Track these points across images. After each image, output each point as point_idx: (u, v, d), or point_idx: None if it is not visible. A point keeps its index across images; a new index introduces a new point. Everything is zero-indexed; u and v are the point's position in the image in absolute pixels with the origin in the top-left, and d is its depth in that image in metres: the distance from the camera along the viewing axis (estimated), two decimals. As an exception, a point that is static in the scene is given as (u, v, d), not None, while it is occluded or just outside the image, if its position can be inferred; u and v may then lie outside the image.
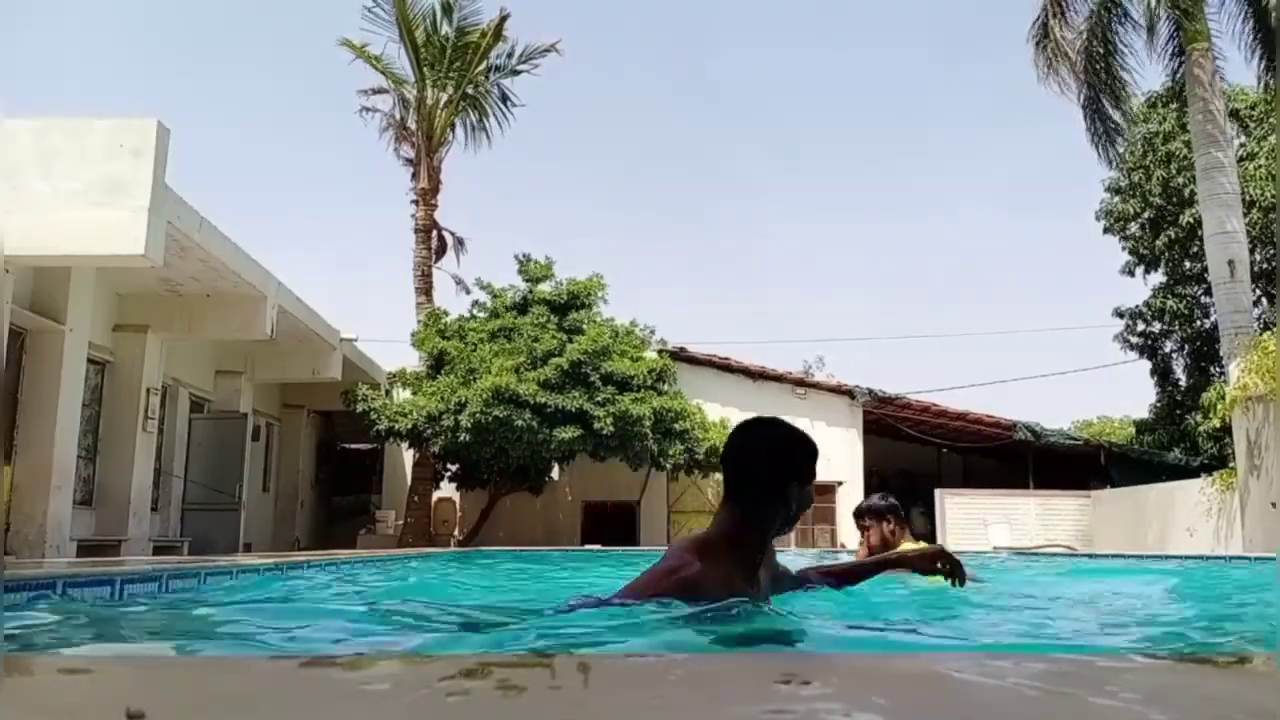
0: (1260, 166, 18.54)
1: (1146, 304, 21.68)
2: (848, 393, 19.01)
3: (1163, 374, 22.04)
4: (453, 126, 18.58)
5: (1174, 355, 21.99)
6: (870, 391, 18.87)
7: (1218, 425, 13.68)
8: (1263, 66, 13.69)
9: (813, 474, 2.51)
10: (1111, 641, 3.03)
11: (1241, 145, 18.51)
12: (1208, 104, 13.10)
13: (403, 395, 16.54)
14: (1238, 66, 14.00)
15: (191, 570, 5.26)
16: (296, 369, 15.58)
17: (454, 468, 17.15)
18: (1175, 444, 20.55)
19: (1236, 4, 13.38)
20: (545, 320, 16.18)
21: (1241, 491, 12.19)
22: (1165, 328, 21.52)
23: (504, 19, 17.81)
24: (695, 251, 47.86)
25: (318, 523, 19.37)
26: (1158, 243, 20.55)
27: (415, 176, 18.16)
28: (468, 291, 18.17)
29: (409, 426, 15.46)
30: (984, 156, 42.44)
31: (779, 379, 19.44)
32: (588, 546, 14.72)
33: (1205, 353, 20.56)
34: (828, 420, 19.03)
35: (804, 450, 2.53)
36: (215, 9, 37.55)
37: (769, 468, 2.45)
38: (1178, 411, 20.96)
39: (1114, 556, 10.83)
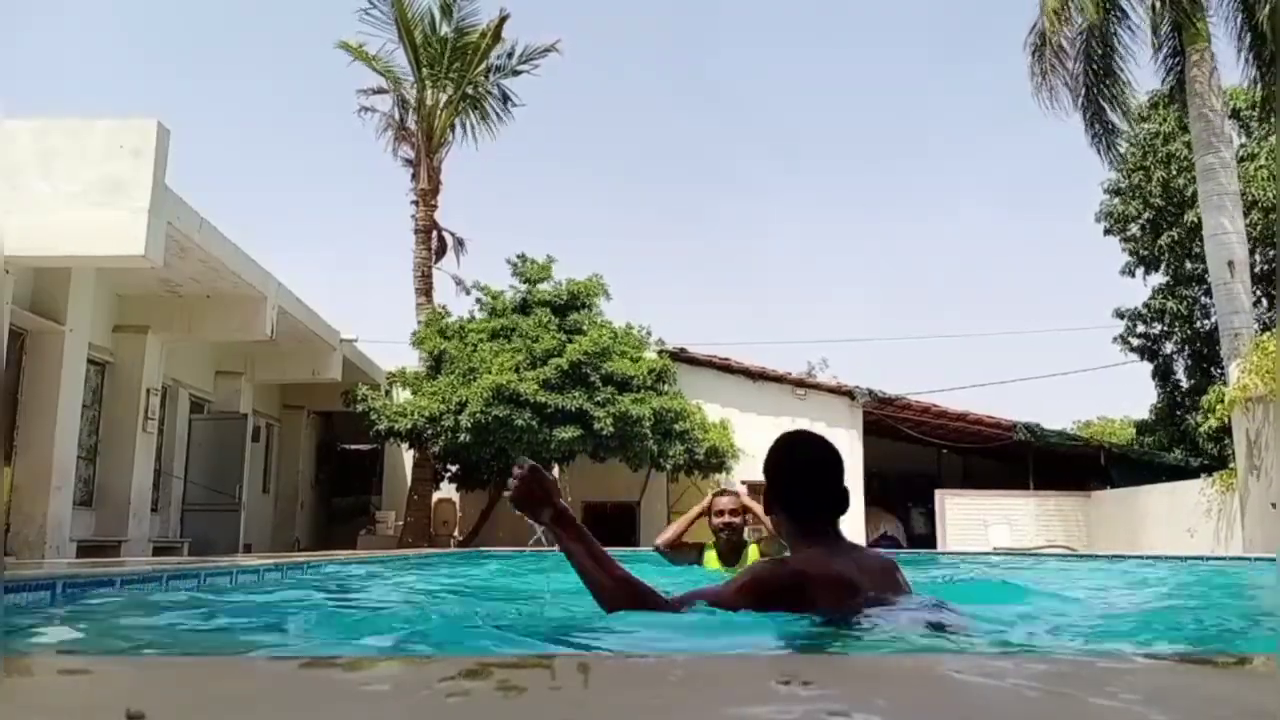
0: (1260, 167, 18.52)
1: (1146, 305, 21.65)
2: (848, 393, 19.00)
3: (1163, 375, 22.01)
4: (452, 127, 18.57)
5: (1174, 356, 21.96)
6: (870, 392, 18.85)
7: (1217, 426, 13.68)
8: (1255, 70, 13.67)
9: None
10: (1111, 642, 3.03)
11: (1242, 146, 18.49)
12: (1207, 105, 13.09)
13: (402, 396, 16.53)
14: (1237, 67, 13.94)
15: (191, 571, 5.26)
16: (296, 369, 15.58)
17: (454, 468, 17.14)
18: (1176, 445, 20.52)
19: (1232, 4, 13.38)
20: (546, 320, 16.18)
21: (1241, 492, 12.18)
22: (1165, 329, 21.49)
23: (503, 19, 17.82)
24: (695, 251, 47.81)
25: (318, 523, 19.37)
26: (1158, 244, 20.53)
27: (415, 177, 18.16)
28: (468, 292, 18.18)
29: (409, 427, 15.46)
30: (984, 156, 42.42)
31: (779, 379, 19.42)
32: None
33: (1206, 354, 20.53)
34: (828, 421, 18.99)
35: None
36: (215, 9, 37.56)
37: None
38: (1178, 412, 20.95)
39: (1114, 557, 10.83)
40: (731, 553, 4.97)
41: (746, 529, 5.20)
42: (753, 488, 18.94)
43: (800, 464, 2.57)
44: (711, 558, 5.06)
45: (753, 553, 4.97)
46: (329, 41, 18.30)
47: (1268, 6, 12.56)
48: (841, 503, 2.51)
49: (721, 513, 4.95)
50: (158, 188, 8.82)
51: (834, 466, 2.54)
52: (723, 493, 5.20)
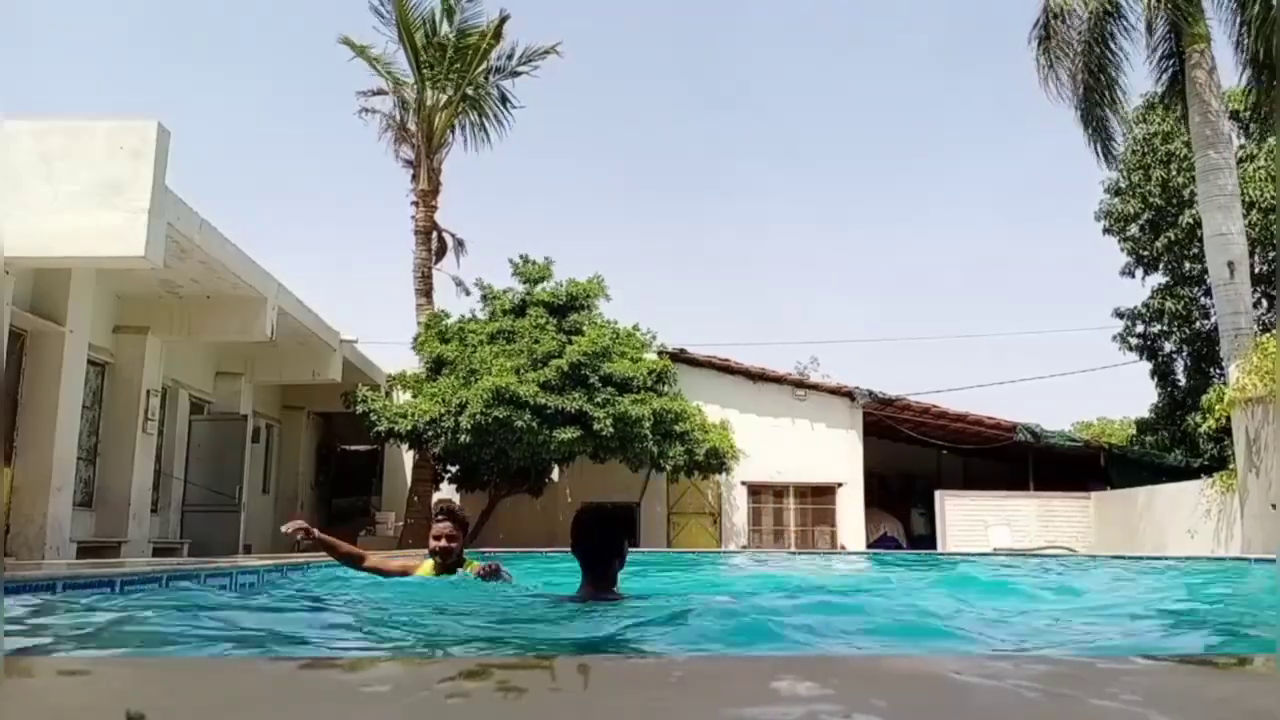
0: (1260, 168, 18.52)
1: (1146, 305, 21.66)
2: (848, 394, 19.00)
3: (1163, 375, 22.02)
4: (452, 128, 18.57)
5: (1174, 356, 21.97)
6: (870, 393, 18.85)
7: (1217, 426, 13.66)
8: (1249, 73, 13.67)
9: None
10: (1111, 643, 3.03)
11: (1241, 147, 18.48)
12: (1206, 106, 13.09)
13: (403, 397, 16.54)
14: (1235, 69, 13.94)
15: (191, 572, 5.26)
16: (296, 370, 15.57)
17: (454, 469, 17.14)
18: (1176, 445, 20.52)
19: (1230, 7, 13.37)
20: (544, 322, 16.18)
21: (1241, 493, 12.18)
22: (1165, 329, 21.50)
23: (503, 21, 17.82)
24: (696, 252, 47.75)
25: (318, 524, 19.15)
26: (1157, 244, 20.53)
27: (415, 178, 18.16)
28: (468, 293, 18.20)
29: (409, 428, 15.45)
30: (984, 157, 42.44)
31: (779, 380, 19.43)
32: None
33: (1205, 354, 20.54)
34: (828, 422, 19.01)
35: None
36: (216, 10, 37.57)
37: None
38: (1178, 412, 20.95)
39: (1113, 558, 10.83)
40: (447, 570, 5.11)
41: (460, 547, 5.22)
42: (752, 488, 19.01)
43: (574, 532, 3.87)
44: (428, 566, 5.20)
45: (472, 567, 5.15)
46: (330, 43, 18.34)
47: (1257, 6, 12.55)
48: (597, 559, 3.80)
49: (439, 536, 5.09)
50: (158, 189, 8.81)
51: (589, 534, 3.85)
52: (440, 516, 5.25)
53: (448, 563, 5.09)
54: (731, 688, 1.19)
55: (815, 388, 19.73)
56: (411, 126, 18.40)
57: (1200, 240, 14.28)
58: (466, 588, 4.82)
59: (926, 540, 18.90)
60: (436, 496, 17.90)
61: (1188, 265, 20.16)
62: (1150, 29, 13.97)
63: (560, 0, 32.71)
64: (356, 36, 18.02)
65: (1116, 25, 14.14)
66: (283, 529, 5.28)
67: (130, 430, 11.55)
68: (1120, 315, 22.17)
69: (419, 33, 17.71)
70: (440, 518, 5.18)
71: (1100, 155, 14.95)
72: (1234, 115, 16.85)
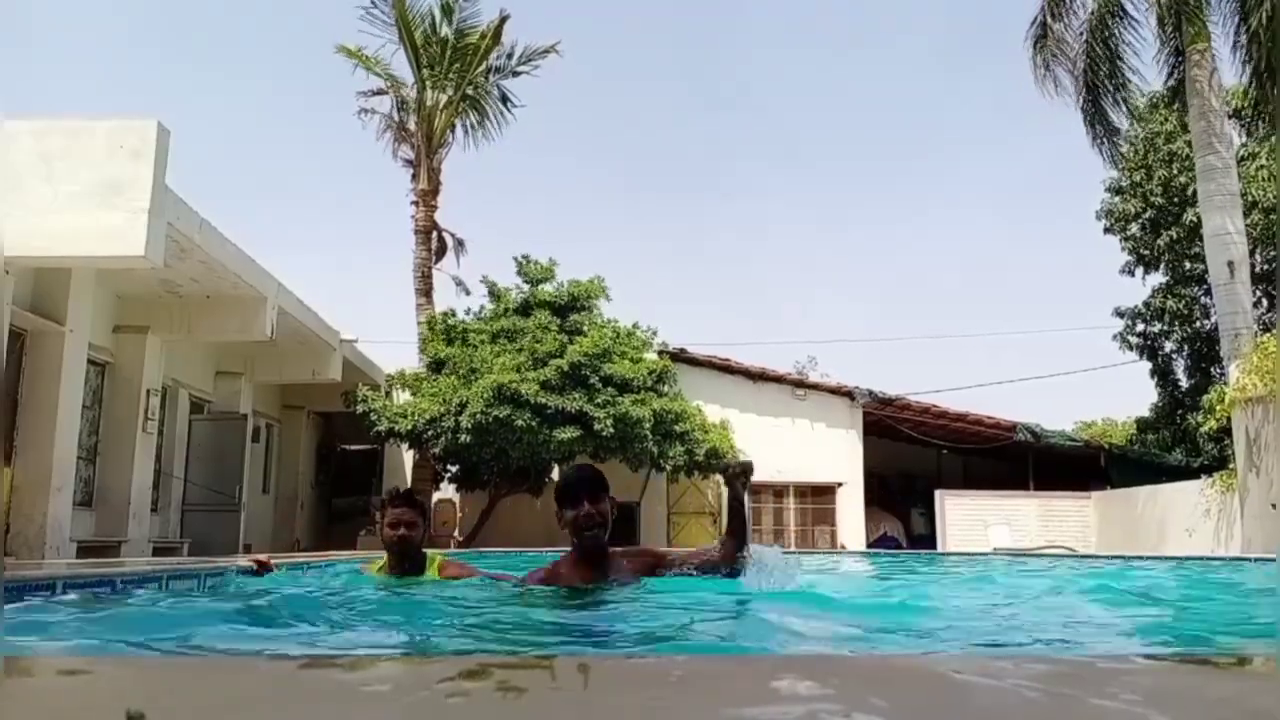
0: (1261, 167, 18.52)
1: (1146, 304, 21.65)
2: (848, 394, 19.00)
3: (1163, 374, 22.02)
4: (452, 128, 18.59)
5: (1174, 356, 21.97)
6: (870, 393, 18.85)
7: (1214, 427, 13.66)
8: (1249, 73, 13.66)
9: (566, 500, 3.43)
10: (1112, 643, 3.03)
11: (1242, 145, 18.48)
12: (1207, 105, 13.08)
13: (403, 396, 16.54)
14: (1236, 68, 13.94)
15: (191, 571, 5.27)
16: (296, 370, 15.57)
17: (454, 469, 17.14)
18: (1176, 444, 20.52)
19: (1231, 6, 13.37)
20: (548, 322, 16.18)
21: (1241, 492, 12.18)
22: (1165, 328, 21.49)
23: (503, 20, 17.82)
24: (696, 252, 47.83)
25: (318, 524, 19.36)
26: (1158, 243, 20.53)
27: (415, 178, 18.17)
28: (468, 293, 18.22)
29: (409, 427, 15.46)
30: (985, 158, 42.45)
31: (779, 380, 19.43)
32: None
33: (1205, 353, 20.54)
34: (828, 422, 19.01)
35: (560, 485, 3.53)
36: (216, 10, 37.59)
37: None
38: (1179, 411, 20.95)
39: (1114, 557, 10.83)
40: (406, 570, 4.32)
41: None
42: (752, 488, 18.96)
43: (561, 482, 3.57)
44: (378, 567, 4.46)
45: (437, 561, 4.45)
46: (330, 42, 18.35)
47: (1263, 12, 12.54)
48: (590, 492, 3.42)
49: (396, 524, 4.28)
50: (158, 188, 8.81)
51: (574, 472, 3.58)
52: (396, 501, 4.40)
53: (406, 556, 4.31)
54: (731, 688, 1.19)
55: (815, 387, 19.73)
56: (411, 126, 18.41)
57: (1201, 239, 14.27)
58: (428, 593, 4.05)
59: (926, 540, 18.89)
60: (437, 496, 17.92)
61: (1189, 264, 20.15)
62: (1163, 24, 13.94)
63: (560, 0, 32.75)
64: (356, 37, 18.05)
65: (1122, 24, 14.14)
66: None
67: (130, 430, 11.55)
68: (1120, 314, 22.16)
69: (419, 31, 17.72)
70: (397, 502, 4.34)
71: (1107, 157, 14.98)
72: (1236, 113, 16.85)
